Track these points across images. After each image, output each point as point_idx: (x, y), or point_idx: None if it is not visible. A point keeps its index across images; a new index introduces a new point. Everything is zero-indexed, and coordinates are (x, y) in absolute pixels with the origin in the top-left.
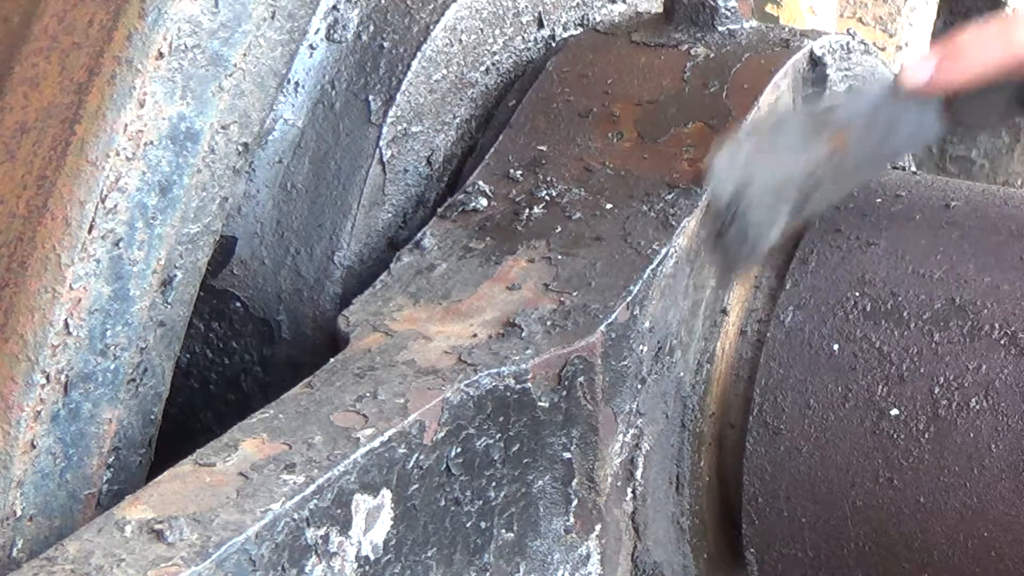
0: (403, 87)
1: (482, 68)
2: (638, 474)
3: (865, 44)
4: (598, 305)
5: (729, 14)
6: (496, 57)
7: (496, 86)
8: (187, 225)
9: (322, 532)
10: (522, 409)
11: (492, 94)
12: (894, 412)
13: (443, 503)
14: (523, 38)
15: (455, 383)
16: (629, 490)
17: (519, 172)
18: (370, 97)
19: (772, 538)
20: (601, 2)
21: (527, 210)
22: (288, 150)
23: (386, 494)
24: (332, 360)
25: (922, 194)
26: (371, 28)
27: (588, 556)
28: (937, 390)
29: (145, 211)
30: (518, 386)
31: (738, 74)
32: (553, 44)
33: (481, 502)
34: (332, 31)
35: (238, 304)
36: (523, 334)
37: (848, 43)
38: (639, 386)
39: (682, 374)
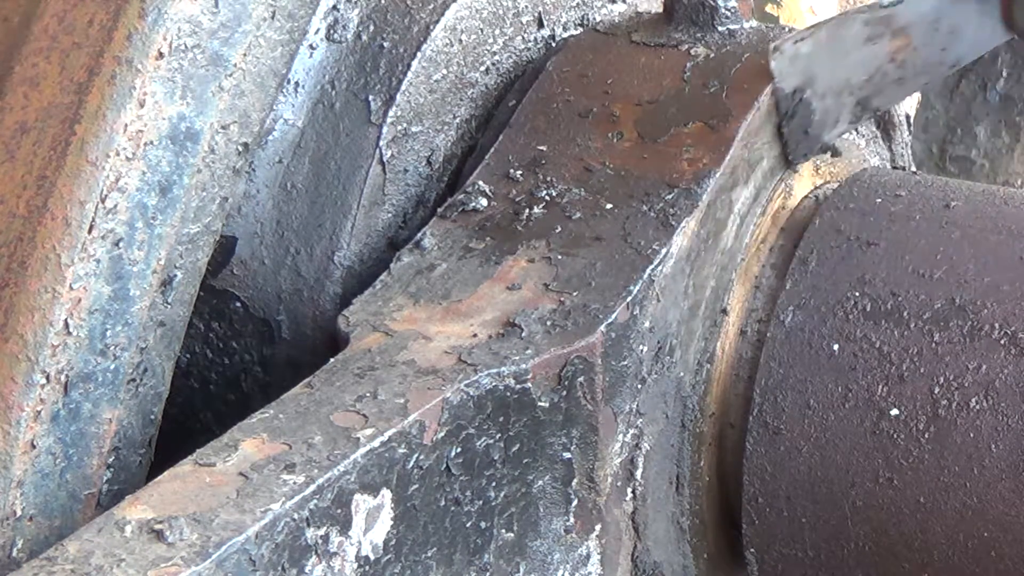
0: (403, 87)
1: (482, 68)
2: (638, 474)
3: None
4: (598, 305)
5: (729, 14)
6: (496, 57)
7: (496, 86)
8: (187, 225)
9: (322, 532)
10: (522, 409)
11: (492, 94)
12: (894, 412)
13: (443, 503)
14: (523, 38)
15: (455, 383)
16: (629, 490)
17: (519, 172)
18: (370, 97)
19: (772, 538)
20: (601, 2)
21: (527, 210)
22: (288, 150)
23: (386, 494)
24: (332, 360)
25: (922, 194)
26: (371, 28)
27: (588, 556)
28: (937, 390)
29: (145, 211)
30: (518, 386)
31: (738, 74)
32: (553, 44)
33: (481, 502)
34: (332, 31)
35: (238, 304)
36: (523, 334)
37: None
38: (639, 386)
39: (682, 374)
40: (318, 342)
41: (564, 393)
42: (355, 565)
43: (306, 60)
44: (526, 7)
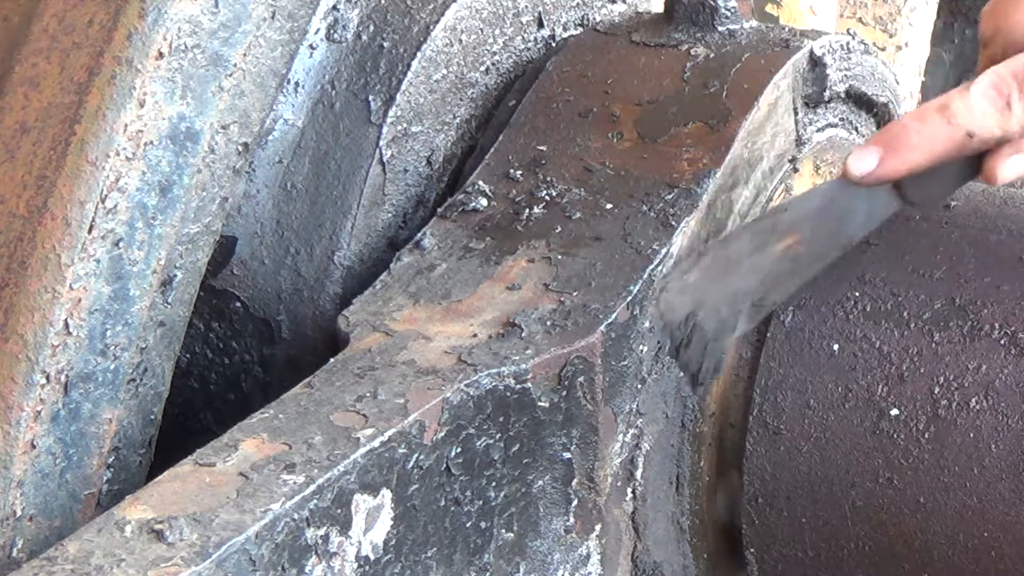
0: (403, 87)
1: (482, 68)
2: (638, 474)
3: (865, 44)
4: (598, 305)
5: (729, 14)
6: (496, 57)
7: (496, 86)
8: (187, 225)
9: (322, 532)
10: (522, 409)
11: (492, 94)
12: (894, 412)
13: (443, 503)
14: (523, 38)
15: (455, 383)
16: (629, 490)
17: (519, 172)
18: (370, 97)
19: (772, 538)
20: (601, 2)
21: (527, 210)
22: (288, 150)
23: (386, 494)
24: (332, 360)
25: None
26: (371, 28)
27: (588, 556)
28: (937, 390)
29: (145, 211)
30: (518, 386)
31: (738, 74)
32: (553, 44)
33: (481, 502)
34: (332, 31)
35: (238, 304)
36: (523, 334)
37: (848, 43)
38: (639, 386)
39: (682, 374)
40: (318, 342)
41: (564, 393)
42: (355, 565)
43: (306, 60)
44: (526, 7)
